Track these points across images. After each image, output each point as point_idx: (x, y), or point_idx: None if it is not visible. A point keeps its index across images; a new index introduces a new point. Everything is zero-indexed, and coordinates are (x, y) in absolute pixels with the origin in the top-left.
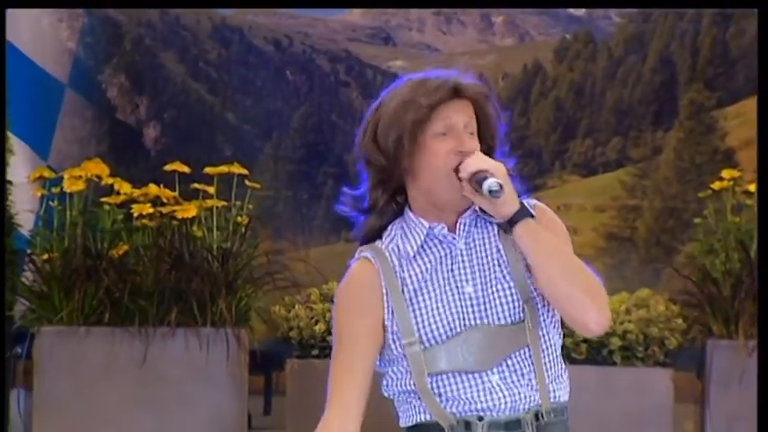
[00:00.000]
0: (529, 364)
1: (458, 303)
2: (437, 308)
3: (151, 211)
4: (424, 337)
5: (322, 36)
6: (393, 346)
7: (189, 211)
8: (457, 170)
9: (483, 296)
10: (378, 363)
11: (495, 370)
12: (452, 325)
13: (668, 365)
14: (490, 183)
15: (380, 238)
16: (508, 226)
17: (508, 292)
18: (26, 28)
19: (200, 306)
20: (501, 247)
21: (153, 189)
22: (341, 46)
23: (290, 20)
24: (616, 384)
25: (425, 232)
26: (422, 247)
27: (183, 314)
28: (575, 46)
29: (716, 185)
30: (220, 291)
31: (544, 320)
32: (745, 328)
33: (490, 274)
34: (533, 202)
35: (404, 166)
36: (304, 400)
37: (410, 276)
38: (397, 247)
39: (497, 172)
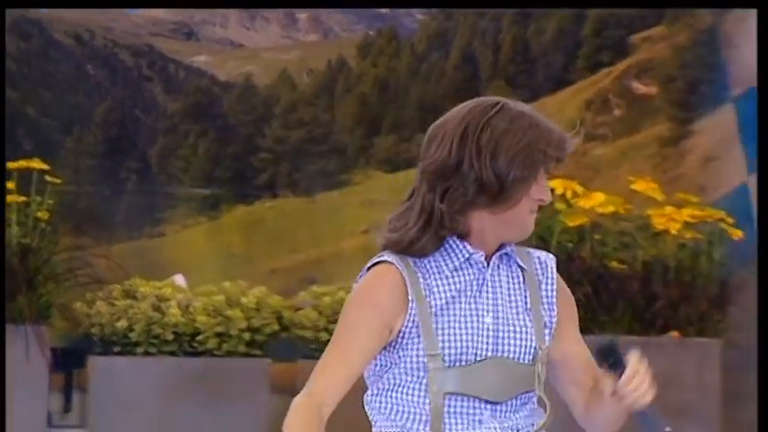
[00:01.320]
0: (530, 409)
1: (476, 331)
2: (460, 329)
3: None
4: (447, 354)
5: (124, 30)
6: (412, 359)
7: None
8: (614, 364)
9: (501, 330)
10: (371, 371)
11: (499, 409)
12: (474, 349)
13: None
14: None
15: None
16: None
17: (525, 332)
18: None
19: None
20: (524, 290)
21: None
22: (144, 40)
23: (92, 14)
24: None
25: (467, 256)
26: (457, 268)
27: None
28: (378, 42)
29: None
30: (20, 287)
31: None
32: None
33: (510, 311)
34: (552, 263)
35: (510, 201)
36: (106, 397)
37: (439, 291)
38: (429, 261)
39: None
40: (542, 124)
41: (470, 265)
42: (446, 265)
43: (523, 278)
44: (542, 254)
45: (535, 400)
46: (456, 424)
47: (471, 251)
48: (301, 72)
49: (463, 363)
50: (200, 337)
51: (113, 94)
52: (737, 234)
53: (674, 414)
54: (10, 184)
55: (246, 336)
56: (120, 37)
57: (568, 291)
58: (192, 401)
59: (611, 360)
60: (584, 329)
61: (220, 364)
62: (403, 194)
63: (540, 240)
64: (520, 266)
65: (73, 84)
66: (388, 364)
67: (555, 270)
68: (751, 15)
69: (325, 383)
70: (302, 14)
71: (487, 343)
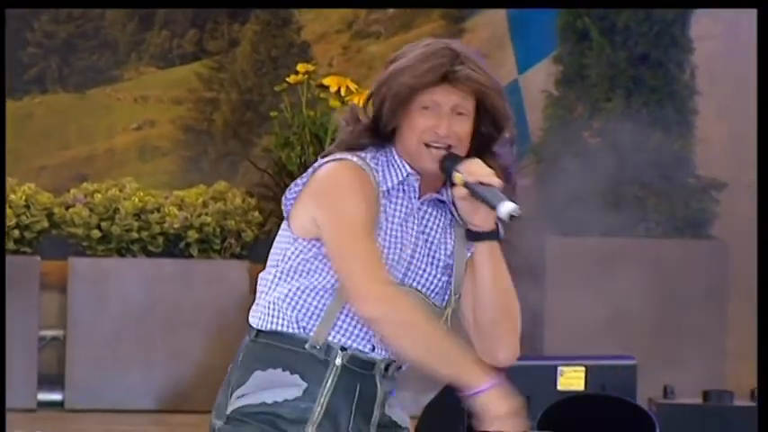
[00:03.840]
0: None
1: (397, 257)
2: (390, 248)
3: None
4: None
5: None
6: None
7: None
8: (449, 160)
9: (416, 266)
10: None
11: None
12: (399, 270)
13: (244, 257)
14: (514, 208)
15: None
16: (474, 238)
17: (442, 278)
18: None
19: None
20: (452, 237)
21: None
22: None
23: None
24: (193, 276)
25: (405, 176)
26: (393, 187)
27: None
28: None
29: (291, 79)
30: None
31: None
32: None
33: (431, 252)
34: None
35: (385, 126)
36: None
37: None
38: (376, 174)
39: (498, 186)
40: (430, 51)
41: (405, 191)
42: (385, 182)
43: (452, 223)
44: None
45: None
46: (337, 323)
47: (408, 171)
48: None
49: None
50: None
51: None
52: None
53: None
54: None
55: (16, 233)
56: None
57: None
58: None
59: (488, 191)
60: None
61: None
62: (175, 91)
63: (315, 138)
64: (452, 213)
65: None
66: (318, 254)
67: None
68: None
69: (383, 268)
70: None
71: (407, 273)
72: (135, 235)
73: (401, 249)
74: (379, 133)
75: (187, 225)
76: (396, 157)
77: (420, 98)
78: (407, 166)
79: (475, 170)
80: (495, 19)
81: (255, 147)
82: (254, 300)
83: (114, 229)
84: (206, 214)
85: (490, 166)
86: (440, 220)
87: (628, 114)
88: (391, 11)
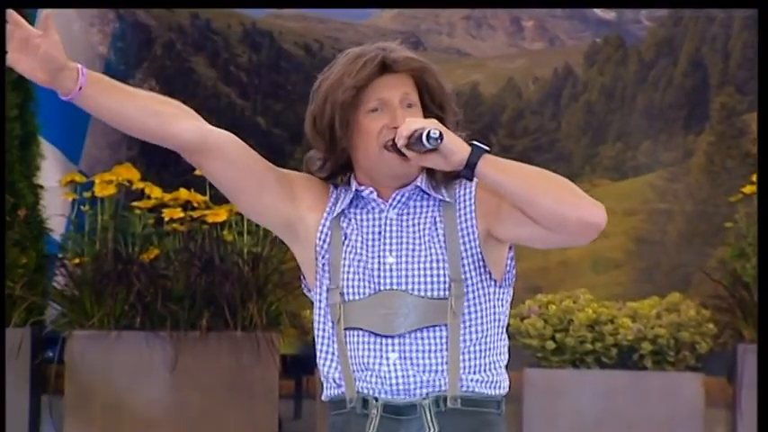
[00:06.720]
0: (440, 344)
1: (376, 269)
2: (358, 267)
3: (182, 215)
4: (345, 290)
5: (352, 41)
6: (318, 278)
7: (219, 215)
8: (393, 145)
9: (405, 267)
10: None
11: (396, 344)
12: (371, 286)
13: (699, 370)
14: (428, 132)
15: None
16: (469, 171)
17: (435, 266)
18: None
19: (230, 310)
20: (442, 224)
21: (183, 193)
22: None
23: (320, 24)
24: (647, 389)
25: (354, 194)
26: (351, 205)
27: (214, 318)
28: (605, 50)
29: (747, 189)
30: (251, 295)
31: (477, 307)
32: None
33: (417, 247)
34: (473, 185)
35: (341, 147)
36: None
37: (343, 228)
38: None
39: (432, 124)
40: (355, 55)
41: (366, 203)
42: (340, 204)
43: (440, 209)
44: (465, 182)
45: (447, 334)
46: (355, 364)
47: (357, 188)
48: (527, 80)
49: (358, 297)
50: None
51: None
52: None
53: None
54: None
55: None
56: (348, 47)
57: (487, 192)
58: None
59: (417, 136)
60: None
61: None
62: (629, 202)
63: None
64: (442, 200)
65: (302, 94)
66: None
67: (474, 187)
68: None
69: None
70: (528, 22)
71: (390, 278)
72: (589, 347)
73: (382, 259)
74: (339, 163)
75: (641, 337)
76: (352, 181)
77: (364, 103)
78: (356, 185)
79: (401, 130)
80: None
81: (709, 258)
82: (706, 414)
83: (568, 341)
84: (660, 326)
85: None
86: (425, 208)
87: None
88: None
